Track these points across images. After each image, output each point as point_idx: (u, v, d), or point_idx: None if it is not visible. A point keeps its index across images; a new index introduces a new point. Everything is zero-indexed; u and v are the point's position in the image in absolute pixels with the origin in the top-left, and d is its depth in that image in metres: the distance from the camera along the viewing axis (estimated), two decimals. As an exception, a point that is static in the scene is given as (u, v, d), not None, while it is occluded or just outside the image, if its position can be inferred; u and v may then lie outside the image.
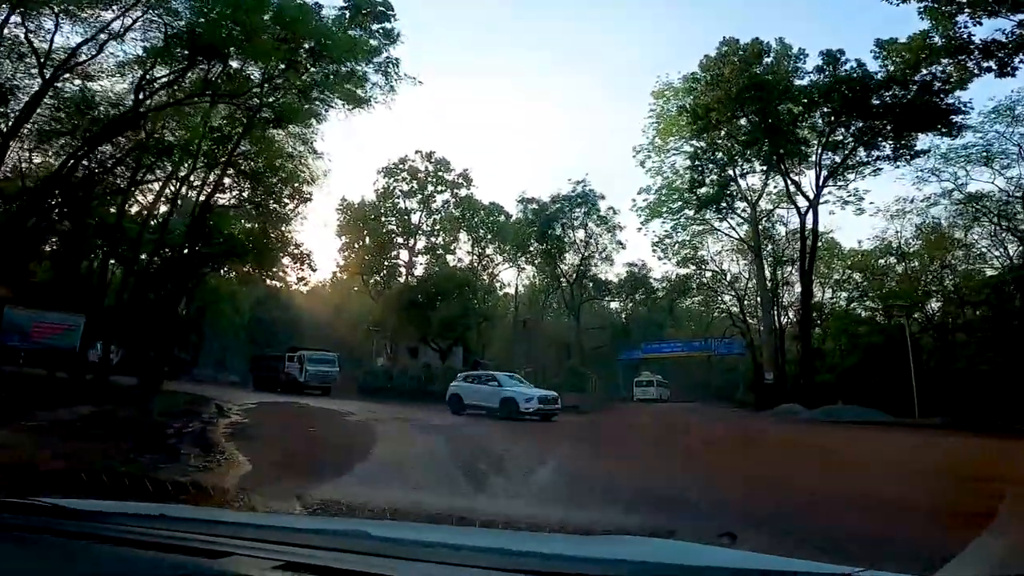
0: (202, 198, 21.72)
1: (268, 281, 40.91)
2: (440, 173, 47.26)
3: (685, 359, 37.95)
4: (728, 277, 33.21)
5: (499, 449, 8.81)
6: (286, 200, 23.06)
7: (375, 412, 15.23)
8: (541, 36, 69.17)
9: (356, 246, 42.30)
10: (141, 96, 17.83)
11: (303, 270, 26.73)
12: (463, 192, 47.48)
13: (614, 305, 37.02)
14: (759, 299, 31.97)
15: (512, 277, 45.83)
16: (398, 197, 45.44)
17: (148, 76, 17.79)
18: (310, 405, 17.02)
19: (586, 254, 28.68)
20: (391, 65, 22.02)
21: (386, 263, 42.60)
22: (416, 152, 46.74)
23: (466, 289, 30.52)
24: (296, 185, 23.14)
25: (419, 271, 40.76)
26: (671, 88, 32.66)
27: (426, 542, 1.21)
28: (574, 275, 28.71)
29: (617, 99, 68.22)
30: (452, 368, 26.24)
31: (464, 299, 30.18)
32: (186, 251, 21.99)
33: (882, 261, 32.46)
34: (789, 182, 26.59)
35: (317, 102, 20.31)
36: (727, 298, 34.54)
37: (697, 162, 26.72)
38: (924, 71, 23.06)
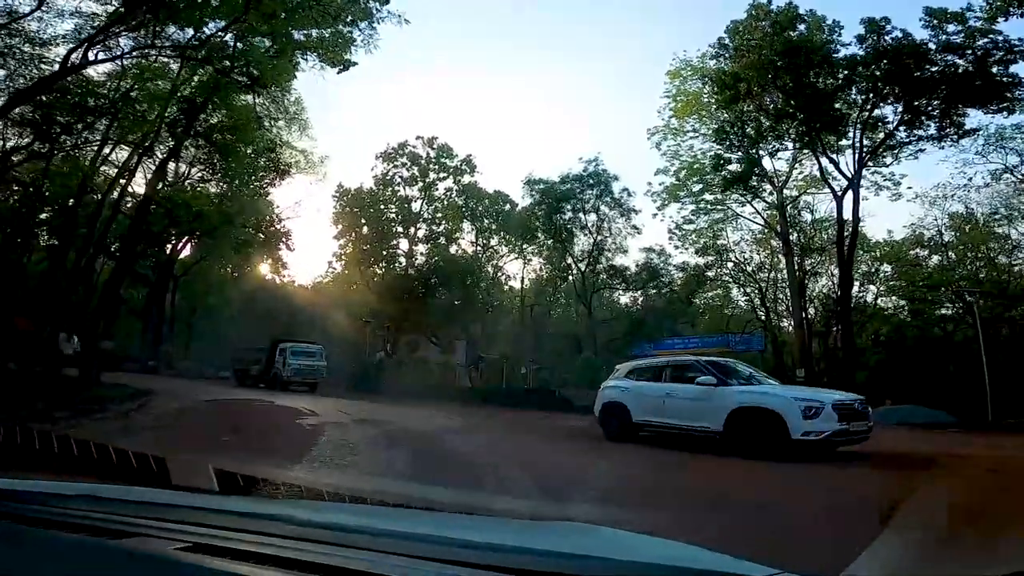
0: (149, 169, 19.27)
1: (252, 269, 38.91)
2: (443, 159, 45.10)
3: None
4: (750, 267, 30.89)
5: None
6: (262, 172, 20.62)
7: (348, 413, 12.79)
8: (547, 25, 66.76)
9: (353, 235, 40.03)
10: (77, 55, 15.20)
11: (279, 250, 24.02)
12: (466, 179, 45.38)
13: (625, 300, 34.85)
14: (787, 291, 29.67)
15: (518, 269, 43.81)
16: (398, 184, 43.20)
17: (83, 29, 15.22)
18: (273, 403, 14.56)
19: (598, 239, 26.25)
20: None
21: (385, 253, 40.33)
22: (417, 138, 44.51)
23: (470, 277, 28.23)
24: (273, 157, 20.71)
25: (420, 262, 38.69)
26: (689, 67, 30.38)
27: (353, 526, 1.15)
28: (585, 262, 26.29)
29: (628, 89, 65.84)
30: (453, 364, 24.00)
31: (468, 288, 27.92)
32: (136, 227, 19.50)
33: (918, 251, 30.10)
34: (825, 161, 24.20)
35: (292, 54, 17.68)
36: (748, 290, 32.23)
37: (725, 136, 24.32)
38: (983, 39, 20.71)
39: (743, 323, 32.71)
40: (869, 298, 32.69)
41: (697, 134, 30.54)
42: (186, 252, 37.37)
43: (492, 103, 67.29)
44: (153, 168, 19.15)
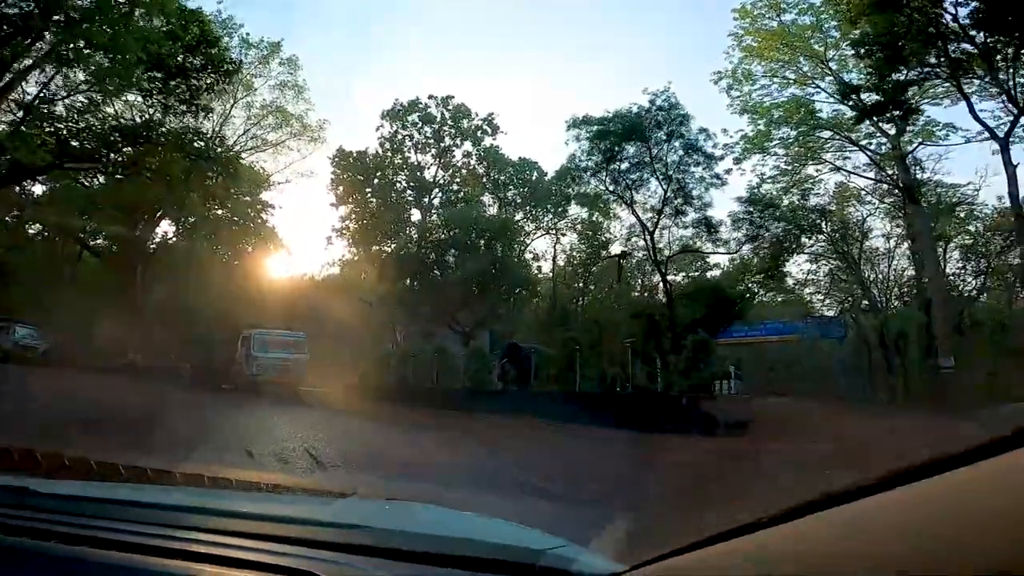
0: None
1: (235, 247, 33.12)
2: (460, 121, 38.91)
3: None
4: (857, 232, 24.11)
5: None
6: (195, 75, 14.13)
7: (316, 454, 6.71)
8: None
9: (355, 205, 34.02)
10: None
11: (228, 180, 17.47)
12: (488, 142, 39.17)
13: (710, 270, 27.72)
14: (909, 258, 22.88)
15: (545, 247, 37.59)
16: (408, 149, 37.19)
17: None
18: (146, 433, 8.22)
19: (669, 192, 19.64)
20: None
21: (394, 228, 34.34)
22: (430, 97, 38.35)
23: (498, 243, 21.95)
24: (211, 52, 14.19)
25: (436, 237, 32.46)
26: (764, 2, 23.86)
27: (113, 499, 1.18)
28: (656, 220, 19.69)
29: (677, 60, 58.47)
30: (481, 354, 17.68)
31: (495, 257, 21.67)
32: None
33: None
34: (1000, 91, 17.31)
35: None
36: (848, 260, 25.49)
37: (866, 52, 17.52)
38: None
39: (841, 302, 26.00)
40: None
41: (776, 79, 24.21)
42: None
43: (512, 60, 60.58)
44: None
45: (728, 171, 21.42)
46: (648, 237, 19.63)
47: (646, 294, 28.56)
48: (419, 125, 37.34)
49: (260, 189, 32.65)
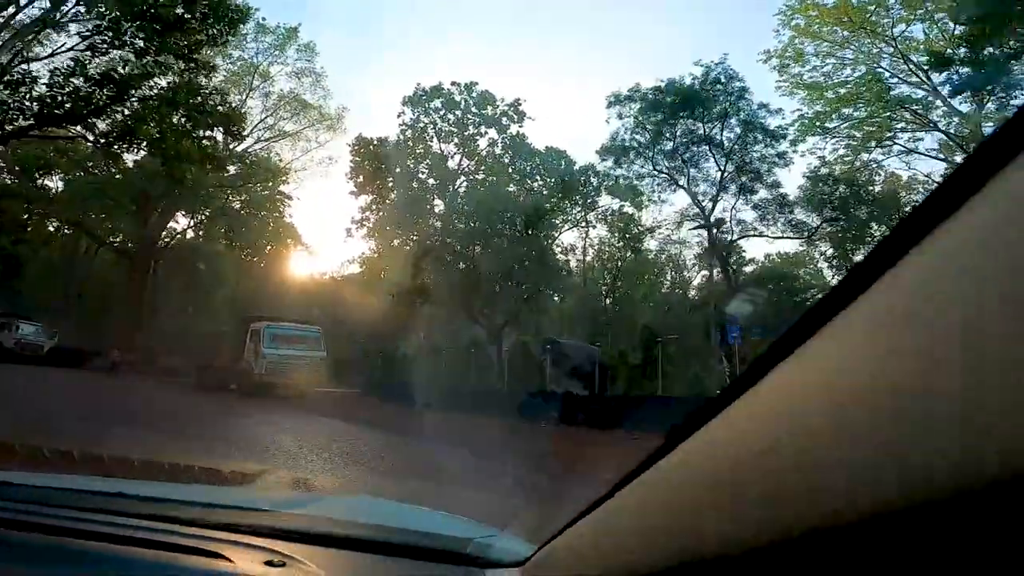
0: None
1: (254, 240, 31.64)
2: (484, 109, 36.85)
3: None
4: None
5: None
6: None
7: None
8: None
9: (376, 196, 32.09)
10: None
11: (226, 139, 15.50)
12: (514, 129, 37.03)
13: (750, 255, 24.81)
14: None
15: (572, 240, 35.45)
16: (430, 138, 35.24)
17: None
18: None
19: (728, 171, 17.23)
20: None
21: (418, 220, 32.43)
22: (453, 83, 36.34)
23: (533, 228, 19.83)
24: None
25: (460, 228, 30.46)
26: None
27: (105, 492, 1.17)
28: (713, 202, 17.28)
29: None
30: (526, 350, 15.55)
31: (530, 243, 19.55)
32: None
33: None
34: None
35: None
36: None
37: (965, 22, 14.99)
38: None
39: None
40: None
41: (832, 58, 21.59)
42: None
43: (533, 50, 58.29)
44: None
45: (795, 151, 18.90)
46: (706, 220, 17.22)
47: (696, 285, 26.06)
48: (442, 112, 35.40)
49: (277, 180, 31.23)
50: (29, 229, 28.85)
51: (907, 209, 17.67)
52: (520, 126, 37.06)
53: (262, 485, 1.96)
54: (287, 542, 0.92)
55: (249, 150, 29.45)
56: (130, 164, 25.06)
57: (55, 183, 27.45)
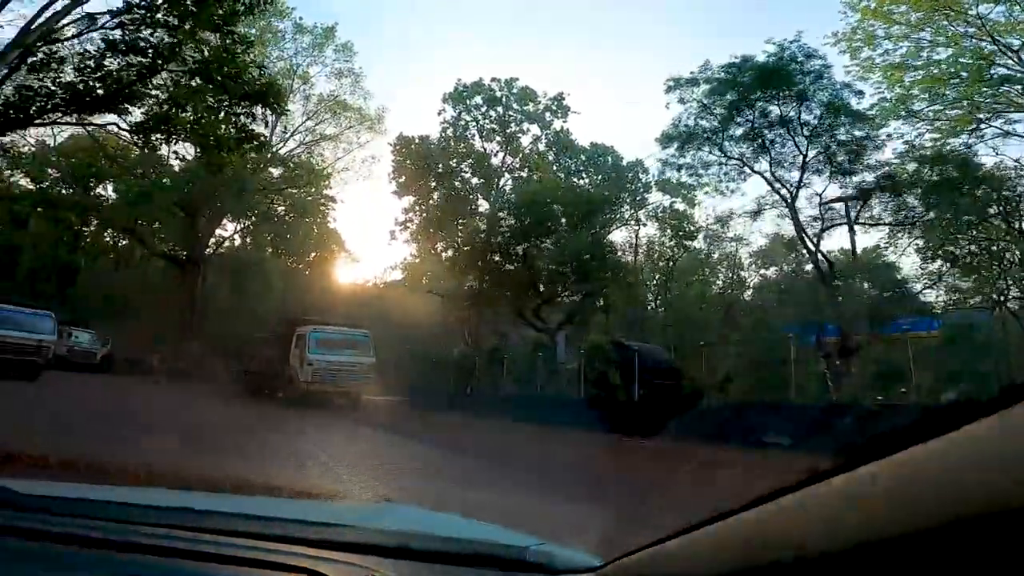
0: None
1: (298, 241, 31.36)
2: (526, 105, 35.68)
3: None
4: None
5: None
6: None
7: None
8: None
9: (419, 197, 31.25)
10: None
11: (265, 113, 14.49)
12: (558, 125, 35.71)
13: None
14: None
15: (622, 239, 33.80)
16: (472, 136, 34.26)
17: None
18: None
19: (808, 155, 15.38)
20: None
21: (462, 221, 31.48)
22: (493, 80, 35.29)
23: (586, 224, 18.44)
24: None
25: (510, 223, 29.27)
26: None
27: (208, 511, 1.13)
28: (796, 186, 15.47)
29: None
30: (600, 351, 14.10)
31: (586, 239, 18.18)
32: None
33: None
34: None
35: None
36: None
37: None
38: None
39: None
40: None
41: (907, 40, 19.41)
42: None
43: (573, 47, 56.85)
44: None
45: (882, 134, 16.83)
46: (791, 207, 15.42)
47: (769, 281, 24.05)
48: (483, 108, 34.36)
49: (320, 184, 30.90)
50: (88, 239, 29.32)
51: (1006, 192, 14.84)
52: (564, 121, 35.67)
53: (337, 499, 1.88)
54: (364, 555, 0.92)
55: (292, 153, 29.18)
56: (176, 168, 25.14)
57: (107, 192, 27.84)
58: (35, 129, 25.98)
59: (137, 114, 11.60)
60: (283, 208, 30.33)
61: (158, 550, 0.92)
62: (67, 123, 12.12)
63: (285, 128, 29.08)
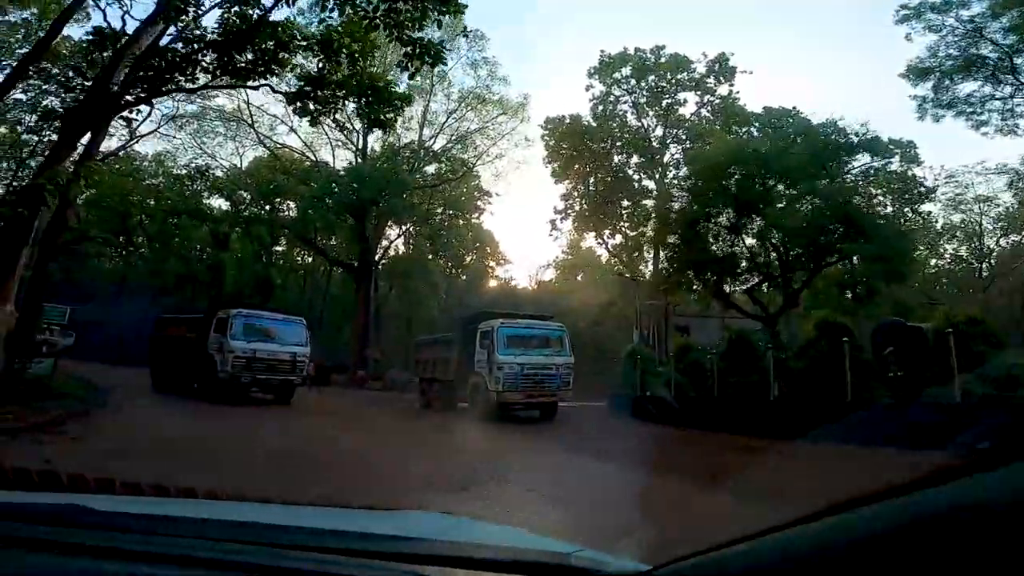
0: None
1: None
2: (679, 73, 31.63)
3: None
4: None
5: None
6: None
7: None
8: None
9: (573, 176, 28.78)
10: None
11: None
12: (723, 89, 31.06)
13: None
14: None
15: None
16: (625, 111, 31.05)
17: None
18: None
19: None
20: None
21: (625, 204, 28.44)
22: (637, 50, 31.67)
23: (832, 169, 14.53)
24: None
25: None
26: None
27: (171, 516, 1.15)
28: None
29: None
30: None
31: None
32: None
33: None
34: None
35: None
36: None
37: None
38: None
39: None
40: None
41: None
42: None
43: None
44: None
45: None
46: None
47: None
48: (632, 81, 30.99)
49: (470, 179, 30.16)
50: (277, 256, 31.57)
51: None
52: (731, 84, 31.05)
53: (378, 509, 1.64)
54: (415, 564, 0.92)
55: (444, 148, 28.65)
56: (342, 171, 25.83)
57: (289, 210, 29.66)
58: (221, 150, 29.08)
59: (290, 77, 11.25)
60: (440, 208, 30.03)
61: (228, 566, 0.92)
62: (220, 86, 11.82)
63: (431, 124, 28.87)
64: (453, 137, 29.36)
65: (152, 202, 25.10)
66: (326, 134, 28.21)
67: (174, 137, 26.17)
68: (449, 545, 1.03)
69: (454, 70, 29.88)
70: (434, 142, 28.34)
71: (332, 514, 1.70)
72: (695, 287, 17.69)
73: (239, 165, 29.27)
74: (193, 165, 27.71)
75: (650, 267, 26.82)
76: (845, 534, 0.52)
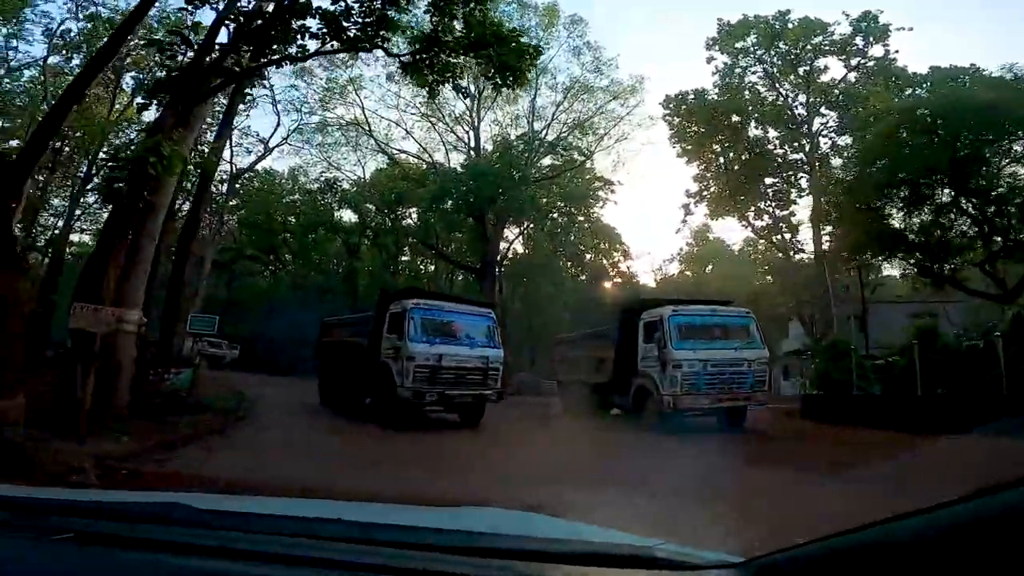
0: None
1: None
2: (810, 39, 28.16)
3: None
4: None
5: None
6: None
7: None
8: None
9: (704, 158, 26.39)
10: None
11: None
12: (877, 50, 27.10)
13: None
14: None
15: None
16: (755, 82, 28.14)
17: None
18: None
19: None
20: None
21: (769, 181, 25.61)
22: (756, 17, 28.56)
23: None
24: None
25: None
26: None
27: (257, 514, 1.21)
28: None
29: None
30: None
31: None
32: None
33: None
34: None
35: None
36: None
37: None
38: None
39: None
40: None
41: None
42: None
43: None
44: None
45: None
46: None
47: None
48: (760, 51, 28.02)
49: (586, 172, 28.84)
50: (402, 264, 32.10)
51: None
52: (885, 44, 26.98)
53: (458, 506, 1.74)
54: (507, 560, 0.93)
55: (558, 138, 27.47)
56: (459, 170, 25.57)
57: (411, 218, 30.09)
58: (345, 162, 30.19)
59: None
60: (559, 202, 28.90)
61: (331, 564, 0.92)
62: (328, 52, 11.53)
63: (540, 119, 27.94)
64: (566, 125, 28.26)
65: (292, 219, 26.62)
66: (439, 136, 28.47)
67: (301, 148, 27.61)
68: (540, 541, 1.03)
69: (556, 59, 28.74)
70: (546, 133, 27.35)
71: (419, 512, 1.69)
72: (902, 265, 14.91)
73: (363, 176, 30.27)
74: (323, 178, 29.15)
75: (808, 248, 23.82)
76: (934, 532, 0.52)
